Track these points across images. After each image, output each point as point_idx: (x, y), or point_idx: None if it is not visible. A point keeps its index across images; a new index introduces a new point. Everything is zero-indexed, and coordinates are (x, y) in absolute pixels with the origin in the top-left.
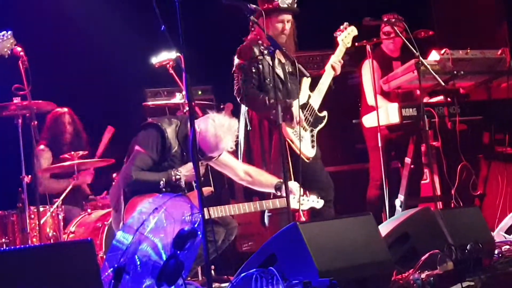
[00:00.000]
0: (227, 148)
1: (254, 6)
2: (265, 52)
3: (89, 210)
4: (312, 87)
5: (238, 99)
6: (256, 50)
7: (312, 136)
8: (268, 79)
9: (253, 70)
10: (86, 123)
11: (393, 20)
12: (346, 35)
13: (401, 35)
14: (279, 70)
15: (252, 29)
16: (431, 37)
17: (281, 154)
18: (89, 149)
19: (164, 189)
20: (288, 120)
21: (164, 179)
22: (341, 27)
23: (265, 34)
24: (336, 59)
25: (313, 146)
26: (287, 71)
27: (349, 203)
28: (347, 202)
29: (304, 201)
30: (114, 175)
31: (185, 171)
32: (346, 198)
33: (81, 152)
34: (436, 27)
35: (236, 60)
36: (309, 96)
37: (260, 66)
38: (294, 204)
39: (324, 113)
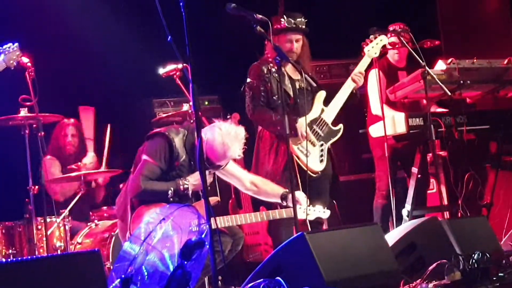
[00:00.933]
0: (234, 156)
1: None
2: (273, 70)
3: (96, 221)
4: (328, 100)
5: (249, 116)
6: (265, 69)
7: (322, 150)
8: (276, 96)
9: (261, 88)
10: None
11: (399, 30)
12: (374, 45)
13: (407, 45)
14: (287, 87)
15: (266, 50)
16: (437, 47)
17: (288, 168)
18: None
19: (172, 199)
20: (292, 136)
21: (172, 189)
22: (370, 37)
23: (273, 44)
24: (358, 71)
25: (321, 161)
26: (297, 87)
27: (356, 213)
28: (354, 212)
29: (310, 211)
30: (121, 185)
31: (193, 180)
32: (352, 208)
33: (87, 159)
34: (443, 37)
35: (247, 79)
36: (322, 110)
37: (268, 84)
38: (300, 215)
39: (340, 126)
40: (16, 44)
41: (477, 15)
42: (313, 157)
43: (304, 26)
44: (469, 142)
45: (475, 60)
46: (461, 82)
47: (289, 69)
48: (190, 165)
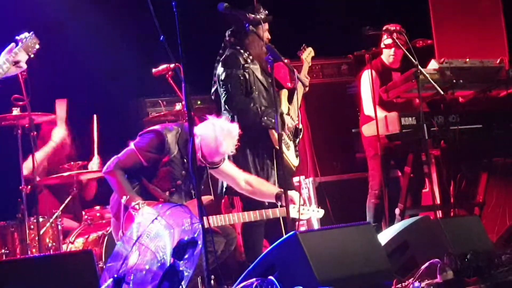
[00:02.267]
0: (227, 152)
1: (253, 15)
2: (249, 60)
3: (88, 221)
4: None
5: (227, 108)
6: (241, 59)
7: (296, 146)
8: (254, 87)
9: (241, 78)
10: (84, 134)
11: (393, 30)
12: (307, 54)
13: (401, 45)
14: (262, 78)
15: (230, 42)
16: (430, 47)
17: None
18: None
19: (124, 203)
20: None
21: (128, 197)
22: (302, 47)
23: (264, 44)
24: (303, 75)
25: (297, 156)
26: (268, 81)
27: (349, 213)
28: (346, 212)
29: (304, 210)
30: None
31: (148, 209)
32: (345, 207)
33: (80, 163)
34: (435, 37)
35: (221, 69)
36: (289, 108)
37: (246, 74)
38: (294, 214)
39: (301, 125)
40: (32, 32)
41: (469, 14)
42: (291, 151)
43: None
44: (461, 142)
45: (467, 60)
46: (454, 81)
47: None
48: (183, 163)
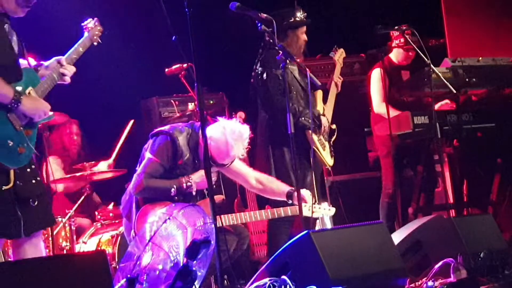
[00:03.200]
0: (237, 155)
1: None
2: (288, 61)
3: (101, 221)
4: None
5: (264, 107)
6: (281, 60)
7: (331, 146)
8: (292, 87)
9: (280, 78)
10: (97, 134)
11: (404, 29)
12: (339, 56)
13: (413, 43)
14: (300, 79)
15: (269, 42)
16: (443, 46)
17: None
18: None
19: (176, 197)
20: (316, 129)
21: (175, 186)
22: (334, 48)
23: (278, 44)
24: (336, 76)
25: (332, 156)
26: (305, 81)
27: (362, 212)
28: (359, 211)
29: (316, 209)
30: (126, 185)
31: (196, 178)
32: (358, 207)
33: (93, 162)
34: (448, 35)
35: (261, 69)
36: (323, 109)
37: (286, 74)
38: (306, 212)
39: (334, 126)
40: (96, 19)
41: (482, 12)
42: (327, 151)
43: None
44: (474, 140)
45: (480, 58)
46: (467, 80)
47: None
48: (194, 164)
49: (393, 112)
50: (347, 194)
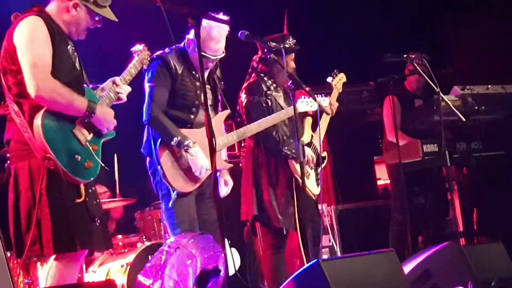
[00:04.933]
0: (221, 35)
1: (275, 44)
2: (272, 88)
3: (111, 250)
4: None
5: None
6: (264, 86)
7: (317, 175)
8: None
9: (264, 105)
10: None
11: (413, 57)
12: (338, 80)
13: (422, 72)
14: (285, 106)
15: (255, 68)
16: (451, 74)
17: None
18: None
19: (175, 145)
20: (298, 158)
21: (178, 138)
22: (333, 73)
23: (286, 72)
24: (332, 102)
25: (318, 184)
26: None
27: (372, 240)
28: (369, 239)
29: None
30: (136, 214)
31: (199, 150)
32: (368, 235)
33: (103, 189)
34: (457, 64)
35: (244, 96)
36: (312, 136)
37: (269, 101)
38: (302, 107)
39: (324, 153)
40: (144, 44)
41: (490, 42)
42: (312, 180)
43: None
44: (484, 168)
45: (489, 86)
46: (476, 108)
47: (280, 88)
48: (191, 74)
49: (405, 140)
50: (356, 222)
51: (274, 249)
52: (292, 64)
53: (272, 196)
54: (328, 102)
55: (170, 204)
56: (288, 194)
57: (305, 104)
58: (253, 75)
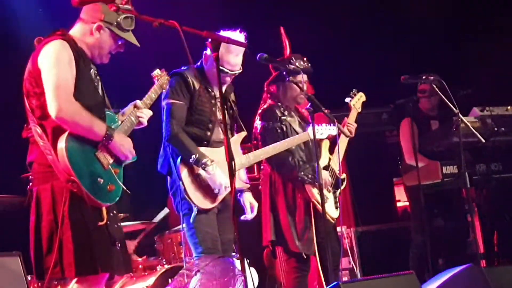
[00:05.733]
0: (238, 49)
1: (293, 66)
2: (286, 113)
3: (131, 272)
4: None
5: (267, 160)
6: (278, 112)
7: (335, 198)
8: None
9: (278, 131)
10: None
11: (432, 78)
12: (357, 100)
13: (440, 93)
14: (300, 131)
15: (269, 95)
16: (471, 95)
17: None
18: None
19: (193, 163)
20: (314, 182)
21: (197, 156)
22: (351, 93)
23: (305, 94)
24: (351, 122)
25: (336, 208)
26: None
27: (392, 262)
28: (389, 261)
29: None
30: (156, 237)
31: (217, 168)
32: (388, 257)
33: (122, 215)
34: (476, 84)
35: (259, 123)
36: (330, 159)
37: (284, 127)
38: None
39: (344, 175)
40: (163, 69)
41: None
42: (330, 203)
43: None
44: (504, 189)
45: (509, 107)
46: (495, 129)
47: (295, 113)
48: (208, 92)
49: (423, 162)
50: (376, 244)
51: (298, 272)
52: (305, 86)
53: (290, 221)
54: (336, 130)
55: (191, 221)
56: (307, 219)
57: (316, 132)
58: (268, 100)
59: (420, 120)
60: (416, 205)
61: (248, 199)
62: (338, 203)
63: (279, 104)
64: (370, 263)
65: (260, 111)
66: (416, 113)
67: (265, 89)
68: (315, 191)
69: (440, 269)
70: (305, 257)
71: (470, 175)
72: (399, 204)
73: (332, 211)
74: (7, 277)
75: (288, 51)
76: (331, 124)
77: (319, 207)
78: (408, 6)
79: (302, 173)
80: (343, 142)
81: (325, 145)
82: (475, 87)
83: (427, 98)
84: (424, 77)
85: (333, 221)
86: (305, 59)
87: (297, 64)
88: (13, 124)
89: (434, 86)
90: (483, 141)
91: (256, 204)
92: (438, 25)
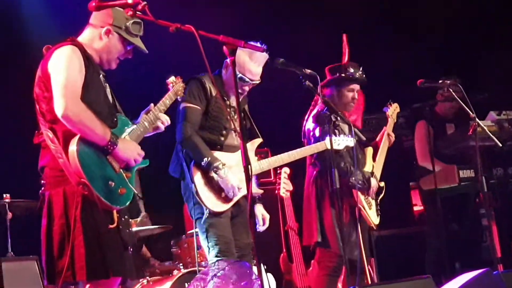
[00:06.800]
0: (261, 60)
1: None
2: (338, 118)
3: (147, 277)
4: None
5: (315, 161)
6: (333, 117)
7: (377, 205)
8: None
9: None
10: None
11: (449, 82)
12: (393, 110)
13: (457, 97)
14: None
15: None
16: (488, 99)
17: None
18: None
19: (204, 166)
20: (365, 189)
21: (209, 159)
22: (388, 103)
23: (322, 98)
24: (388, 132)
25: (378, 215)
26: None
27: (409, 266)
28: (406, 265)
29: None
30: (172, 241)
31: (228, 172)
32: (405, 261)
33: (139, 219)
34: (493, 88)
35: (313, 125)
36: (373, 166)
37: (337, 131)
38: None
39: (382, 183)
40: (178, 76)
41: None
42: (373, 210)
43: (364, 76)
44: None
45: None
46: None
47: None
48: (224, 101)
49: (439, 166)
50: (393, 248)
51: (331, 272)
52: (351, 95)
53: (335, 225)
54: (353, 142)
55: (203, 223)
56: (352, 223)
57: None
58: (319, 102)
59: (436, 123)
60: (432, 209)
61: (260, 210)
62: (379, 211)
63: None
64: (387, 267)
65: (313, 113)
66: (432, 117)
67: (317, 91)
68: (362, 196)
69: (457, 273)
70: (344, 260)
71: (487, 179)
72: (415, 208)
73: (374, 218)
74: (25, 280)
75: (346, 57)
76: (349, 136)
77: (364, 212)
78: (426, 10)
79: (353, 178)
80: (383, 151)
81: (369, 152)
82: (492, 91)
83: (447, 103)
84: (440, 81)
85: (375, 228)
86: (361, 69)
87: (353, 72)
88: (26, 130)
89: (451, 90)
90: (500, 145)
91: (267, 216)
92: (455, 29)
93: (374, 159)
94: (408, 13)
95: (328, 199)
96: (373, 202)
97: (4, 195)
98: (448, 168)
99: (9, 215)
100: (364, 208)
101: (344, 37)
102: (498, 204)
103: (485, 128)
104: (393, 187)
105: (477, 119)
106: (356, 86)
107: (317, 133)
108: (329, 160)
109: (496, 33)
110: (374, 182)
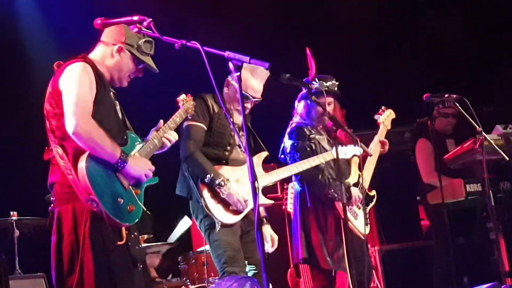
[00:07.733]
0: (262, 76)
1: (316, 86)
2: (313, 131)
3: None
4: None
5: (297, 179)
6: (307, 130)
7: (366, 214)
8: None
9: (308, 149)
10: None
11: (454, 97)
12: (386, 117)
13: (462, 111)
14: (329, 148)
15: (297, 113)
16: (493, 112)
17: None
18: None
19: (208, 183)
20: (344, 200)
21: (212, 176)
22: (380, 110)
23: (327, 114)
24: (378, 140)
25: (367, 224)
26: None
27: (417, 281)
28: (414, 280)
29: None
30: (179, 257)
31: (233, 187)
32: (413, 275)
33: (146, 236)
34: (499, 102)
35: (289, 141)
36: (359, 175)
37: (313, 145)
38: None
39: (374, 192)
40: (189, 94)
41: None
42: (360, 220)
43: (336, 89)
44: None
45: None
46: None
47: (323, 131)
48: (228, 118)
49: (445, 180)
50: (401, 262)
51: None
52: (330, 108)
53: (321, 239)
54: (360, 151)
55: (213, 233)
56: (337, 237)
57: (340, 152)
58: (294, 118)
59: (436, 139)
60: (439, 223)
61: (268, 231)
62: (368, 220)
63: (305, 122)
64: (394, 282)
65: (288, 130)
66: (431, 133)
67: (295, 105)
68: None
69: (465, 287)
70: (333, 274)
71: (494, 193)
72: (423, 223)
73: (362, 228)
74: None
75: (313, 72)
76: (355, 145)
77: (351, 224)
78: (431, 25)
79: (333, 190)
80: (373, 158)
81: (355, 162)
82: (498, 104)
83: (447, 118)
84: (446, 95)
85: (363, 238)
86: (333, 80)
87: (319, 85)
88: (36, 146)
89: (457, 105)
90: (507, 158)
91: (276, 237)
92: (461, 44)
93: (361, 169)
94: (414, 27)
95: (313, 214)
96: (359, 212)
97: (11, 213)
98: (455, 182)
99: (16, 232)
100: (348, 220)
101: (308, 50)
102: (506, 217)
103: (491, 141)
104: (401, 202)
105: (483, 133)
106: (328, 99)
107: (289, 148)
108: (307, 176)
109: (502, 46)
110: (355, 191)
